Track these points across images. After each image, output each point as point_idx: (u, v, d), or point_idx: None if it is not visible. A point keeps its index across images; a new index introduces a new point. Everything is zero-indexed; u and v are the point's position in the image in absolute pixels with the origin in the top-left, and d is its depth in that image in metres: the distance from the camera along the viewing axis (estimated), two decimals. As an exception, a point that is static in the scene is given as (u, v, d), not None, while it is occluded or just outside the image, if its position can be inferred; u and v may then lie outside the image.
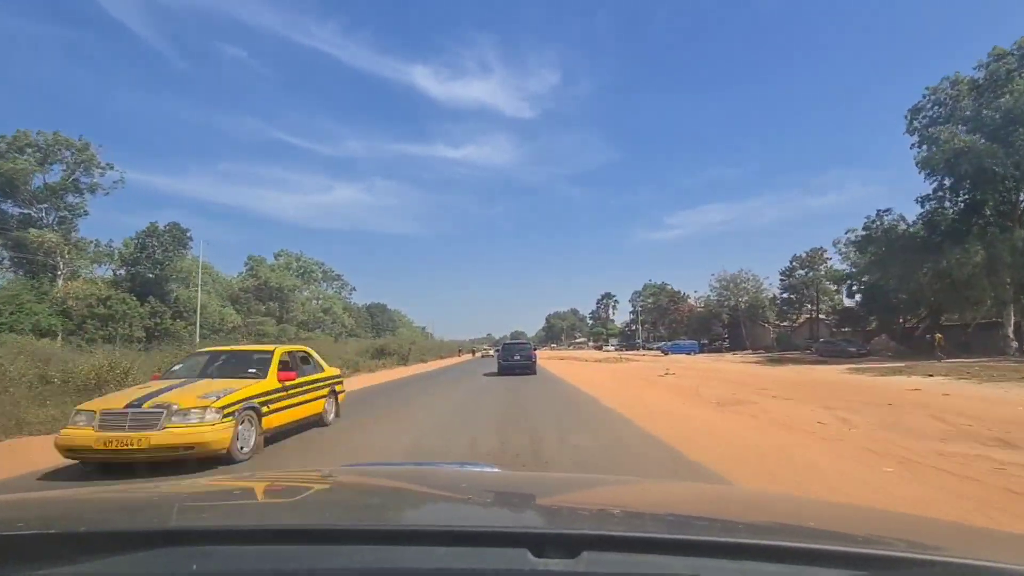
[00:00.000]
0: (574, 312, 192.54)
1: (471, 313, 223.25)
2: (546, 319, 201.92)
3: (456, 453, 6.83)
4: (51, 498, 1.40)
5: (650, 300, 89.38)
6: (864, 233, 35.95)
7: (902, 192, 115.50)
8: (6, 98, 66.97)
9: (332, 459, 6.71)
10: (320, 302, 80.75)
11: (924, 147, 29.63)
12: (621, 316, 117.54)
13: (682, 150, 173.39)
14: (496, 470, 1.94)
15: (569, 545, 0.77)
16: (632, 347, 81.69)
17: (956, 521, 1.79)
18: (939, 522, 1.54)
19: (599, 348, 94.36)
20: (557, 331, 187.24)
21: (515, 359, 23.47)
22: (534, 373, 22.87)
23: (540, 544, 0.77)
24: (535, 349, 26.75)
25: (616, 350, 79.53)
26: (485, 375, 23.73)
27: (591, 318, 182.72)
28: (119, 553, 0.80)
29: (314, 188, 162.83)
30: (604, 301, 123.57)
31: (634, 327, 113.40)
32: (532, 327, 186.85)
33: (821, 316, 53.21)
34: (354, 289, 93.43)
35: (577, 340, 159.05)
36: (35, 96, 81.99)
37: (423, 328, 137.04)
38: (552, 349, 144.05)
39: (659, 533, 0.95)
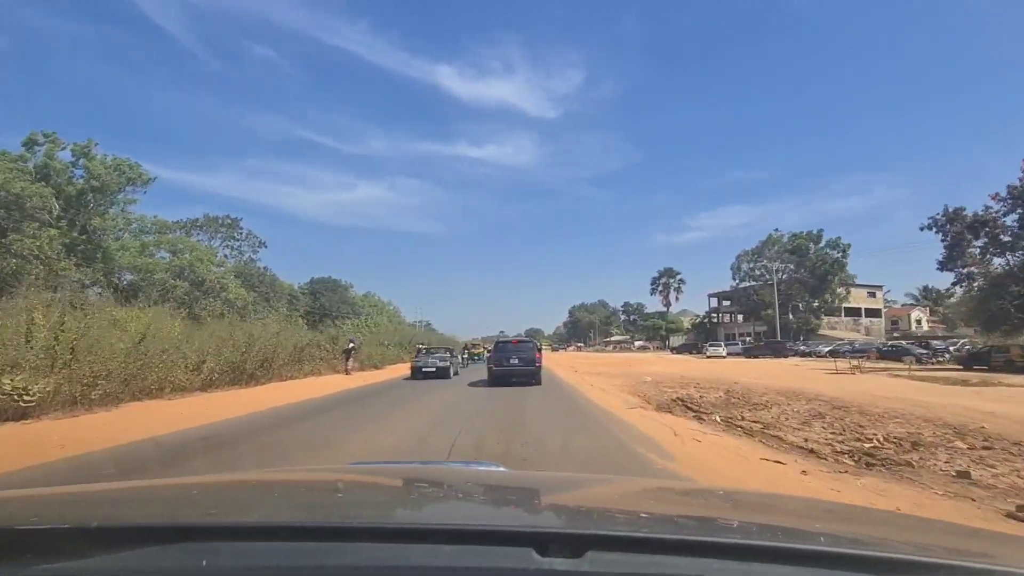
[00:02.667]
0: (603, 304, 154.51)
1: (488, 311, 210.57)
2: (569, 312, 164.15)
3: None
4: (64, 493, 1.41)
5: (777, 264, 49.96)
6: None
7: (928, 194, 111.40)
8: (44, 95, 72.32)
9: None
10: (176, 257, 42.68)
11: None
12: (685, 303, 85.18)
13: (703, 152, 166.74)
14: (502, 469, 1.90)
15: (574, 544, 0.76)
16: (760, 351, 43.22)
17: (964, 524, 1.78)
18: (947, 524, 1.55)
19: (693, 351, 54.88)
20: (583, 327, 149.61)
21: (512, 363, 15.76)
22: (538, 383, 15.49)
23: (545, 543, 0.76)
24: (541, 350, 17.32)
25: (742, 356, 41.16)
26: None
27: (624, 311, 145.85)
28: (130, 548, 0.80)
29: (337, 186, 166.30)
30: (664, 281, 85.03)
31: (716, 318, 75.41)
32: (550, 325, 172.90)
33: None
34: (263, 245, 56.46)
35: (615, 339, 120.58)
36: (72, 93, 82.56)
37: (426, 323, 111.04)
38: (579, 350, 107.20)
39: (664, 533, 0.94)
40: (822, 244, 50.32)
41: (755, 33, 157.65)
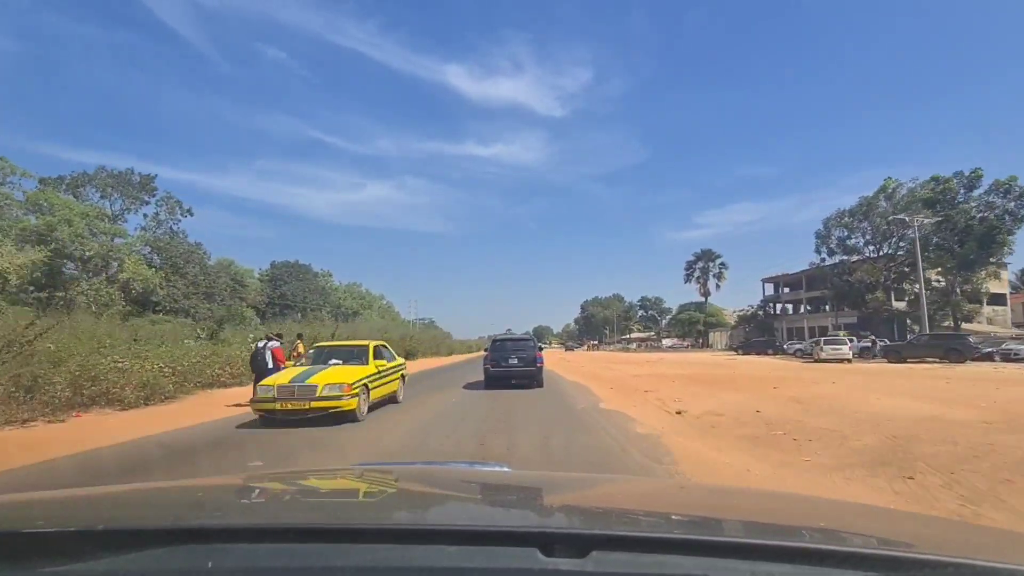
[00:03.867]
0: (618, 298, 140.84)
1: (495, 310, 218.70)
2: (581, 307, 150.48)
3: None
4: (71, 496, 1.40)
5: (916, 220, 33.61)
6: None
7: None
8: (61, 98, 76.12)
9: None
10: (40, 217, 29.37)
11: None
12: (726, 295, 72.55)
13: (713, 149, 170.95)
14: (506, 469, 1.88)
15: (579, 544, 0.77)
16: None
17: (967, 521, 1.74)
18: (950, 522, 1.51)
19: (769, 349, 39.95)
20: (597, 323, 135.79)
21: (510, 364, 13.77)
22: (540, 385, 13.75)
23: (550, 543, 0.77)
24: (543, 349, 15.48)
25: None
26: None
27: (641, 306, 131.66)
28: (137, 550, 0.81)
29: (346, 186, 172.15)
30: (701, 265, 70.78)
31: (773, 308, 61.06)
32: (558, 323, 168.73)
33: None
34: (188, 212, 43.06)
35: (637, 335, 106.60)
36: (87, 96, 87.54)
37: (429, 320, 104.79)
38: (594, 348, 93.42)
39: (668, 533, 0.95)
40: (981, 190, 33.04)
41: (764, 28, 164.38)
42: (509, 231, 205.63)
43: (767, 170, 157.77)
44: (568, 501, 1.35)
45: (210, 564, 0.77)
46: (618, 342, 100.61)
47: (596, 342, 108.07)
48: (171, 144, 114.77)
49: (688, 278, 72.80)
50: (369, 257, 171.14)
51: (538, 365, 13.72)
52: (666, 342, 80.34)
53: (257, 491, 1.43)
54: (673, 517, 1.17)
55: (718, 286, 70.91)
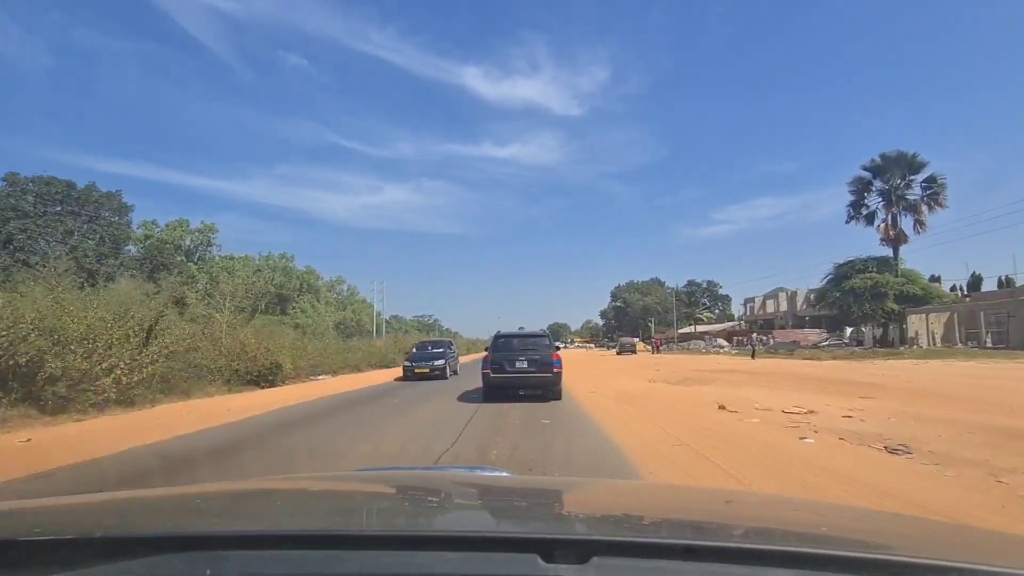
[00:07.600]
0: (658, 282, 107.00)
1: (512, 310, 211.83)
2: (612, 295, 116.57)
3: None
4: (69, 503, 1.41)
5: None
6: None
7: (972, 176, 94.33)
8: (91, 108, 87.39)
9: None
10: None
11: None
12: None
13: (732, 144, 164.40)
14: (506, 474, 1.86)
15: (579, 550, 0.76)
16: None
17: (970, 525, 1.75)
18: (952, 525, 1.47)
19: None
20: (635, 314, 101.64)
21: (518, 367, 11.26)
22: (558, 397, 11.19)
23: (550, 549, 0.76)
24: (559, 349, 12.69)
25: None
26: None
27: (688, 289, 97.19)
28: (135, 557, 0.81)
29: (364, 189, 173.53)
30: (881, 184, 36.28)
31: None
32: (576, 321, 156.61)
33: None
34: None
35: (709, 327, 72.41)
36: (116, 107, 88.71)
37: (432, 319, 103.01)
38: (651, 349, 55.05)
39: (670, 538, 0.94)
40: None
41: (784, 22, 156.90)
42: (526, 231, 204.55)
43: (791, 164, 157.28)
44: (569, 506, 1.36)
45: (208, 572, 0.76)
46: (680, 340, 66.70)
47: (647, 341, 73.53)
48: (196, 152, 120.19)
49: (855, 212, 38.25)
50: (385, 259, 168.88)
51: (555, 370, 11.23)
52: (778, 336, 46.20)
53: (257, 497, 1.43)
54: (675, 522, 1.17)
55: (920, 225, 36.43)
